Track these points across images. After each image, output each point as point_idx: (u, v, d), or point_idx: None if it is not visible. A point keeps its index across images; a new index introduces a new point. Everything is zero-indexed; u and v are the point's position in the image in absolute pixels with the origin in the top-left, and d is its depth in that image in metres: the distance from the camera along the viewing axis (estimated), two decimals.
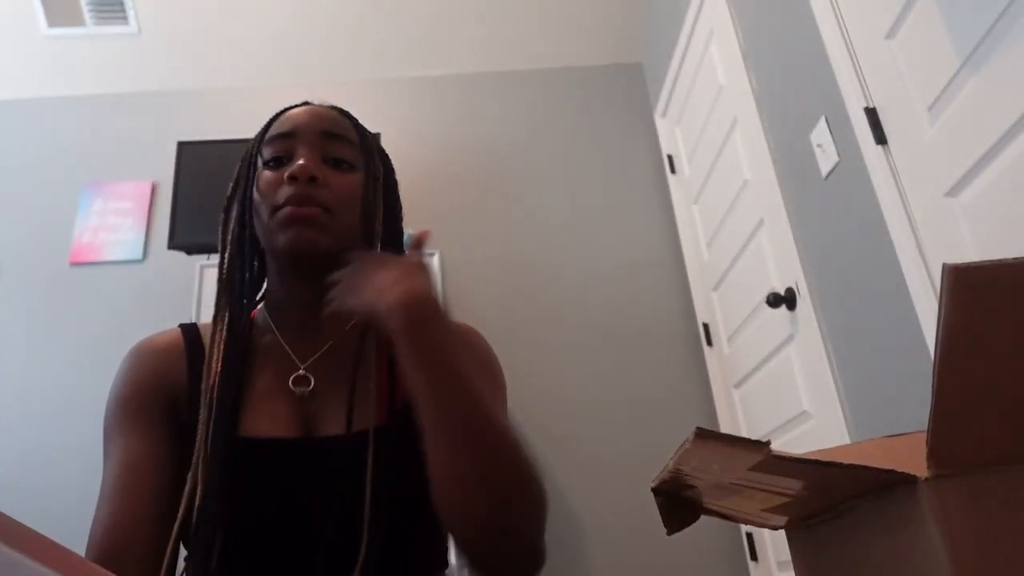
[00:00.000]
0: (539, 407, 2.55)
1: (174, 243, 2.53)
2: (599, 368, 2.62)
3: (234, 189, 0.83)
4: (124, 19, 2.84)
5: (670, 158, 2.87)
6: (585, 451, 2.49)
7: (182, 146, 2.67)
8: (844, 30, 1.51)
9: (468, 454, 0.61)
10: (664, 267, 2.79)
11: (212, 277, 2.31)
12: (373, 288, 0.66)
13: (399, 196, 0.88)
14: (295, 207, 0.73)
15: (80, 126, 3.03)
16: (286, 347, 0.78)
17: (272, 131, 0.81)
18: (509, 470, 0.62)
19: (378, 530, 0.67)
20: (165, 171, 2.88)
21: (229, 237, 0.80)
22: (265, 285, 0.84)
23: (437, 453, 0.62)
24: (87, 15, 2.80)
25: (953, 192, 1.22)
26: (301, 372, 0.76)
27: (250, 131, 2.90)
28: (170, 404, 0.75)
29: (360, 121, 0.87)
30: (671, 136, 2.87)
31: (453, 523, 0.63)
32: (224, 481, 0.67)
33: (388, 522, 0.68)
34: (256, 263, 0.82)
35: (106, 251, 2.79)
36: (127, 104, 3.07)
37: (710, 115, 2.39)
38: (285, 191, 0.74)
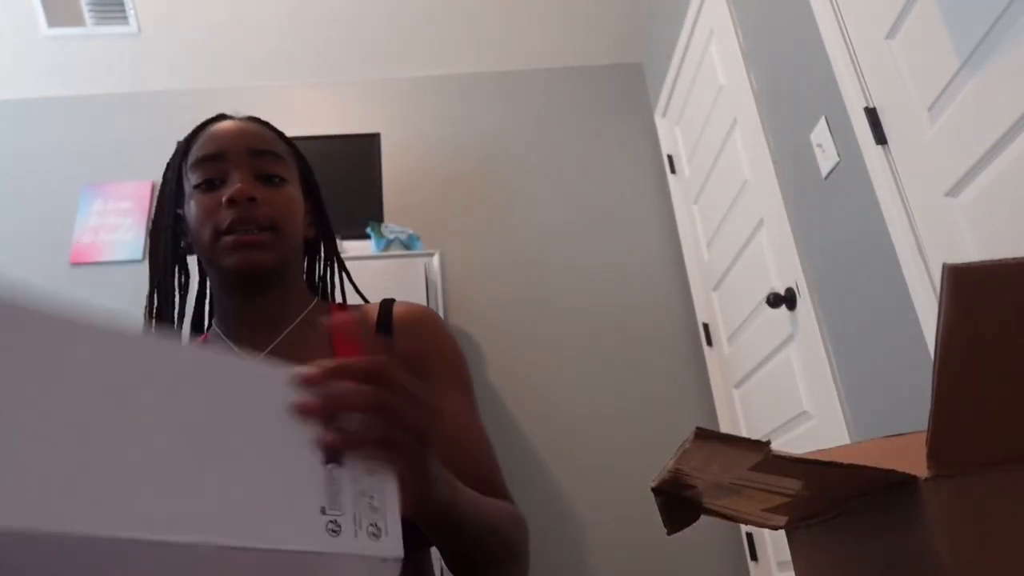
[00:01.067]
0: (538, 406, 2.55)
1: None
2: (598, 368, 2.62)
3: (159, 213, 0.83)
4: (124, 19, 2.83)
5: (670, 158, 2.87)
6: (584, 451, 2.49)
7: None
8: (844, 30, 1.51)
9: (474, 554, 0.65)
10: (664, 267, 2.79)
11: None
12: None
13: (321, 195, 0.91)
14: (240, 234, 0.75)
15: (80, 126, 3.03)
16: (234, 348, 0.79)
17: (197, 153, 0.80)
18: (506, 556, 0.68)
19: None
20: None
21: (161, 261, 0.82)
22: (212, 305, 0.86)
23: (444, 554, 0.64)
24: (87, 15, 2.80)
25: (953, 192, 1.22)
26: None
27: None
28: None
29: (283, 130, 0.91)
30: (671, 136, 2.87)
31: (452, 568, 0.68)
32: None
33: None
34: (185, 283, 0.86)
35: (106, 251, 2.79)
36: (127, 104, 3.07)
37: (710, 115, 2.39)
38: (226, 215, 0.75)
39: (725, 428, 2.46)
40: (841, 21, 1.52)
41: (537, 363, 2.63)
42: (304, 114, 3.04)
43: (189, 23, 2.88)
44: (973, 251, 1.19)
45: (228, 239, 0.75)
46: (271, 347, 0.79)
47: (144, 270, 2.92)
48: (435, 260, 2.36)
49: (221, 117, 0.86)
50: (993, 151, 1.12)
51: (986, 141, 1.13)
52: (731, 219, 2.27)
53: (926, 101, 1.27)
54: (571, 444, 2.51)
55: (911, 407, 1.39)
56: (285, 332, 0.81)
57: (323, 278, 0.92)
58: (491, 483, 0.74)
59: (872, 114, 1.43)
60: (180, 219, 0.82)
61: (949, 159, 1.22)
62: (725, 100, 2.24)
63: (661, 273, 2.78)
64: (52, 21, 2.81)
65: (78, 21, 2.81)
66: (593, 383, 2.60)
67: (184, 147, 0.83)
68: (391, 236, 2.45)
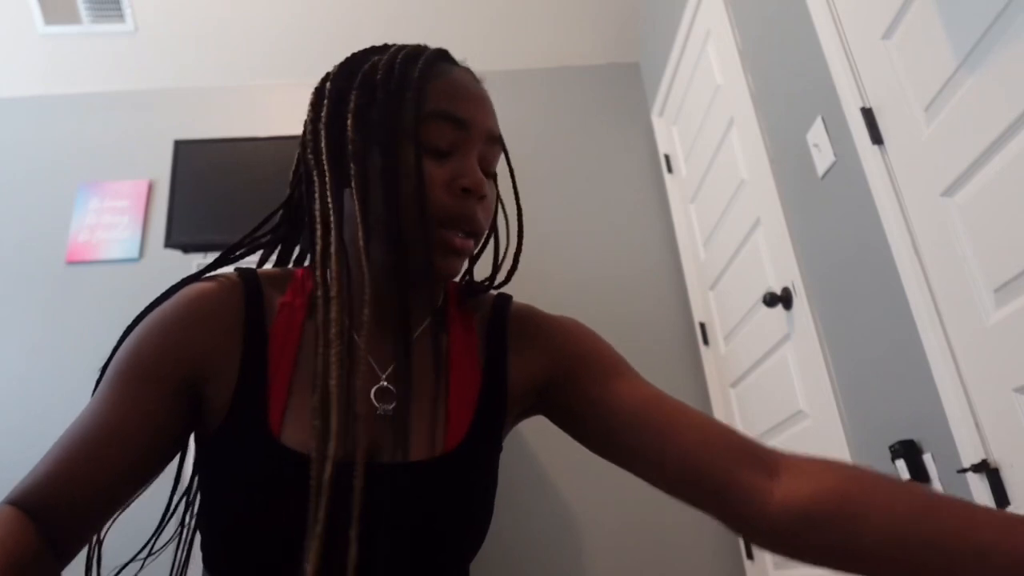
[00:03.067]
0: None
1: (171, 242, 2.53)
2: None
3: (382, 124, 0.64)
4: (120, 17, 2.83)
5: (667, 157, 2.87)
6: (581, 450, 2.49)
7: (179, 145, 2.67)
8: (841, 30, 1.52)
9: None
10: (661, 266, 2.79)
11: None
12: None
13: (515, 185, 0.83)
14: (455, 235, 0.64)
15: (76, 124, 3.02)
16: (362, 348, 0.64)
17: (444, 103, 0.66)
18: None
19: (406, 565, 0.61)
20: (162, 170, 2.87)
21: (357, 173, 0.64)
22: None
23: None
24: (83, 13, 2.79)
25: (949, 192, 1.23)
26: (383, 383, 0.66)
27: (248, 130, 2.91)
28: (197, 376, 0.63)
29: None
30: (668, 136, 2.87)
31: None
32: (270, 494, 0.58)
33: (418, 558, 0.62)
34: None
35: (102, 250, 2.78)
36: (123, 102, 3.06)
37: (707, 115, 2.39)
38: (456, 203, 0.64)
39: None
40: (838, 21, 1.53)
41: None
42: (301, 113, 3.03)
43: (185, 21, 2.88)
44: (969, 251, 1.19)
45: (445, 234, 0.63)
46: (392, 368, 0.67)
47: (141, 269, 2.88)
48: None
49: (451, 59, 0.73)
50: (989, 151, 1.12)
51: (982, 141, 1.13)
52: (727, 219, 2.27)
53: (923, 101, 1.28)
54: (568, 443, 2.51)
55: (907, 406, 1.39)
56: (416, 332, 0.70)
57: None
58: (748, 443, 0.65)
59: (868, 114, 1.44)
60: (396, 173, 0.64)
61: (945, 159, 1.23)
62: (722, 100, 2.24)
63: (657, 272, 2.78)
64: (48, 19, 2.80)
65: (74, 19, 2.81)
66: None
67: (418, 77, 0.65)
68: None
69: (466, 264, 0.69)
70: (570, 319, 0.79)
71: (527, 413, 0.77)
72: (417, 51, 0.69)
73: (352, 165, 0.65)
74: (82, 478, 0.57)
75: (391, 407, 0.65)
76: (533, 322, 0.77)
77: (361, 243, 0.62)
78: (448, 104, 0.66)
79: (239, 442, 0.60)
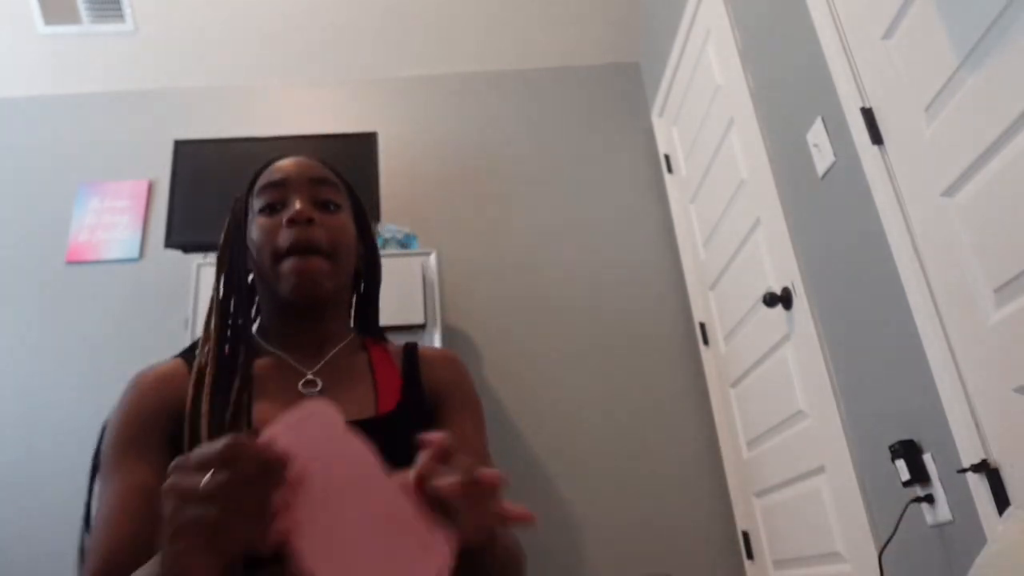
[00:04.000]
0: (535, 405, 2.55)
1: (171, 242, 2.53)
2: (595, 367, 2.62)
3: (227, 237, 0.88)
4: (120, 17, 2.83)
5: (667, 157, 2.87)
6: (581, 450, 2.49)
7: (179, 145, 2.66)
8: (841, 30, 1.52)
9: None
10: (661, 266, 2.79)
11: (209, 276, 2.30)
12: None
13: (372, 231, 0.98)
14: (298, 258, 0.81)
15: (76, 124, 3.02)
16: (291, 361, 0.85)
17: (262, 181, 0.88)
18: None
19: None
20: (162, 170, 2.87)
21: (225, 280, 0.85)
22: (258, 317, 0.92)
23: None
24: (83, 13, 2.79)
25: (949, 192, 1.23)
26: (309, 376, 0.83)
27: (247, 130, 2.91)
28: (173, 431, 0.76)
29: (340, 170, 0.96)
30: (668, 136, 2.87)
31: None
32: None
33: None
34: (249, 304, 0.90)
35: (102, 250, 2.78)
36: (123, 102, 3.06)
37: (707, 115, 2.39)
38: (286, 235, 0.82)
39: (721, 428, 2.46)
40: (838, 21, 1.53)
41: (534, 362, 2.63)
42: (301, 113, 3.04)
43: (185, 21, 2.88)
44: (969, 251, 1.19)
45: (288, 264, 0.82)
46: (318, 367, 0.85)
47: (141, 269, 2.89)
48: (432, 259, 2.36)
49: (280, 157, 0.94)
50: (990, 152, 1.12)
51: (983, 141, 1.13)
52: (728, 219, 2.27)
53: (923, 101, 1.28)
54: (567, 443, 2.51)
55: (906, 406, 1.39)
56: (330, 355, 0.87)
57: (362, 309, 0.99)
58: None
59: (868, 114, 1.44)
60: (245, 247, 0.88)
61: (946, 159, 1.23)
62: (722, 100, 2.24)
63: (658, 272, 2.78)
64: (48, 19, 2.80)
65: (74, 19, 2.81)
66: (590, 382, 2.60)
67: (251, 181, 0.91)
68: (388, 235, 2.45)
69: (330, 283, 0.85)
70: (456, 359, 0.95)
71: (431, 414, 0.90)
72: (259, 168, 0.93)
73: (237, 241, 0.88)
74: (140, 534, 0.67)
75: (317, 390, 0.82)
76: (438, 353, 0.94)
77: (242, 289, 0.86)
78: (267, 178, 0.88)
79: None
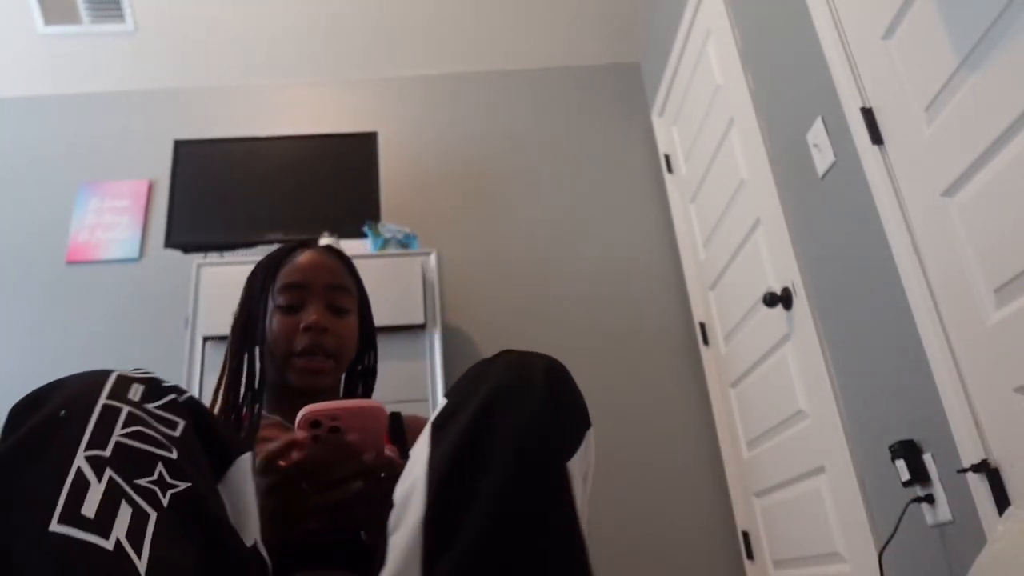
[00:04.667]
0: None
1: (171, 242, 2.53)
2: (595, 367, 2.62)
3: (244, 314, 0.98)
4: (120, 17, 2.83)
5: (667, 157, 2.87)
6: None
7: (179, 144, 2.66)
8: (841, 30, 1.52)
9: None
10: (661, 266, 2.79)
11: (209, 276, 2.30)
12: None
13: (371, 317, 1.08)
14: (309, 360, 0.93)
15: (76, 124, 3.02)
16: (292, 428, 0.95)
17: (285, 279, 0.98)
18: None
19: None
20: (162, 170, 2.87)
21: (235, 355, 0.95)
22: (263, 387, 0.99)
23: None
24: (83, 13, 2.79)
25: (950, 192, 1.23)
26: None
27: (247, 130, 2.91)
28: None
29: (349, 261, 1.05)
30: (668, 135, 2.87)
31: None
32: None
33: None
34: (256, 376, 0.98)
35: (102, 250, 2.78)
36: (123, 102, 3.06)
37: (707, 115, 2.39)
38: (302, 340, 0.93)
39: (721, 428, 2.46)
40: (838, 21, 1.53)
41: None
42: (301, 113, 3.03)
43: (185, 21, 2.88)
44: (969, 251, 1.19)
45: (300, 361, 0.93)
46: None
47: (141, 269, 2.89)
48: (432, 259, 2.36)
49: (305, 245, 1.03)
50: (990, 151, 1.12)
51: (983, 141, 1.13)
52: (728, 219, 2.27)
53: (923, 101, 1.28)
54: None
55: (907, 406, 1.39)
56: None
57: (358, 382, 1.08)
58: None
59: (868, 114, 1.44)
60: (258, 321, 0.98)
61: (946, 159, 1.23)
62: (722, 100, 2.24)
63: (658, 272, 2.78)
64: (48, 19, 2.80)
65: (74, 19, 2.81)
66: (590, 382, 2.59)
67: (272, 268, 0.99)
68: (388, 235, 2.45)
69: (333, 379, 0.98)
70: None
71: None
72: (282, 250, 1.03)
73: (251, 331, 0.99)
74: None
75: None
76: (420, 419, 1.03)
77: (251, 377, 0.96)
78: (289, 277, 0.98)
79: None
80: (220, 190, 2.59)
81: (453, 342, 2.60)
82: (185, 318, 2.39)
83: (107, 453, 0.52)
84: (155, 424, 0.55)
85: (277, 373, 0.97)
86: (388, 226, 2.48)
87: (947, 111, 1.22)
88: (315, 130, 2.89)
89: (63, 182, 2.90)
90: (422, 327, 2.24)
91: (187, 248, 2.55)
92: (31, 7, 2.77)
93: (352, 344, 1.00)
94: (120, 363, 2.52)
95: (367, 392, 1.10)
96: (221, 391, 0.94)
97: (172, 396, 0.59)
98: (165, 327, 2.62)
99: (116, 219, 2.83)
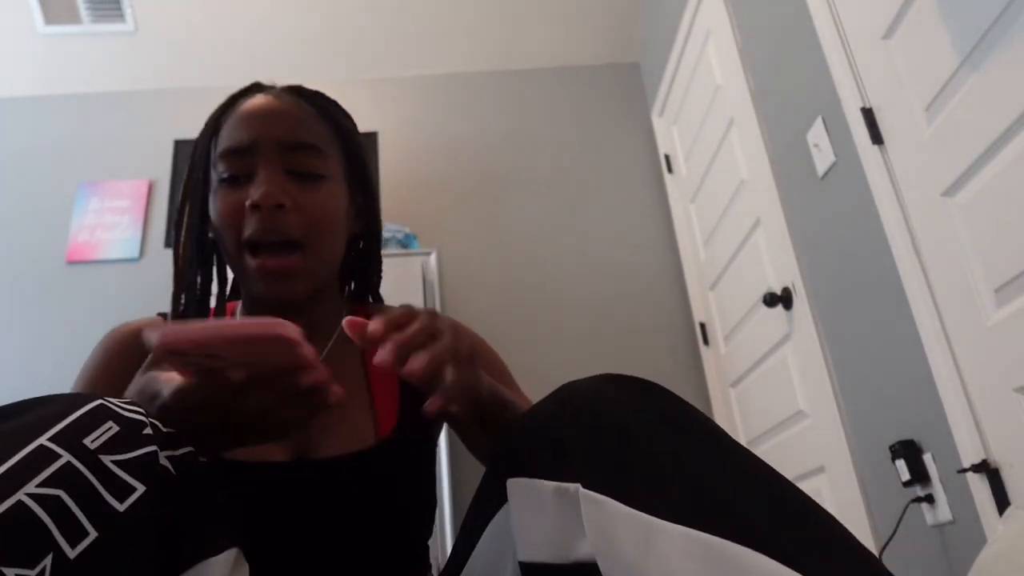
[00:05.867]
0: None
1: (171, 242, 2.53)
2: (595, 367, 2.60)
3: (183, 199, 0.74)
4: (121, 17, 2.83)
5: (667, 157, 2.87)
6: None
7: (179, 144, 2.67)
8: (841, 30, 1.52)
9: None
10: (661, 266, 2.79)
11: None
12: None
13: (373, 187, 0.81)
14: (266, 256, 0.66)
15: (77, 124, 3.02)
16: None
17: (224, 141, 0.71)
18: None
19: (361, 554, 0.68)
20: (162, 170, 2.87)
21: (181, 250, 0.74)
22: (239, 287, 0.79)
23: (484, 440, 0.70)
24: (84, 13, 2.79)
25: (950, 192, 1.23)
26: None
27: None
28: None
29: (332, 102, 0.78)
30: (668, 135, 2.87)
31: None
32: None
33: (372, 544, 0.69)
34: (208, 284, 0.78)
35: (103, 249, 2.78)
36: (124, 102, 3.06)
37: (707, 115, 2.39)
38: (249, 221, 0.66)
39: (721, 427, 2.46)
40: (838, 21, 1.52)
41: (534, 362, 2.62)
42: None
43: (185, 21, 2.88)
44: (969, 251, 1.19)
45: (253, 263, 0.67)
46: None
47: (141, 269, 2.89)
48: (432, 259, 2.36)
49: (256, 88, 0.76)
50: (990, 151, 1.12)
51: (983, 141, 1.13)
52: (728, 218, 2.27)
53: (923, 101, 1.28)
54: None
55: (907, 406, 1.39)
56: (324, 352, 0.75)
57: (359, 278, 0.85)
58: None
59: (869, 114, 1.44)
60: (207, 216, 0.73)
61: (946, 159, 1.23)
62: (722, 100, 2.24)
63: (658, 272, 2.78)
64: (49, 19, 2.80)
65: (75, 19, 2.81)
66: None
67: (213, 125, 0.73)
68: (388, 235, 2.45)
69: (306, 283, 0.70)
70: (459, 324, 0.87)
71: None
72: (230, 97, 0.76)
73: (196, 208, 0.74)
74: None
75: None
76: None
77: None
78: (229, 138, 0.70)
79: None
80: None
81: None
82: None
83: None
84: (98, 487, 0.40)
85: (240, 282, 0.73)
86: (388, 226, 2.49)
87: (947, 111, 1.22)
88: None
89: (63, 182, 2.90)
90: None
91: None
92: (31, 7, 2.77)
93: (333, 223, 0.71)
94: None
95: (363, 300, 0.84)
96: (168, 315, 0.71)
97: (150, 449, 0.43)
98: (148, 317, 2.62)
99: (116, 219, 2.83)
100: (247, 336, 0.46)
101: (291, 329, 0.46)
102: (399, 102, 3.08)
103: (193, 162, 0.74)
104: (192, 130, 2.90)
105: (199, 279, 0.74)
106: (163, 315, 0.78)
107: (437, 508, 0.79)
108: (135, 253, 2.78)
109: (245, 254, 0.67)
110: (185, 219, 0.74)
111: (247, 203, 0.66)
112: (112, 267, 2.76)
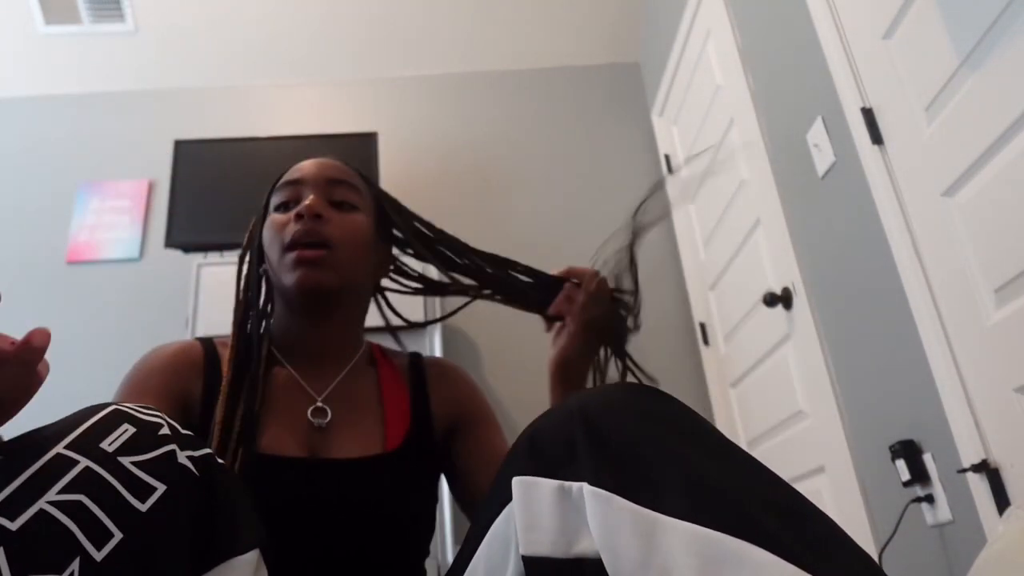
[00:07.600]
0: (535, 406, 2.54)
1: (171, 242, 2.53)
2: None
3: (249, 238, 0.89)
4: (121, 17, 2.83)
5: (667, 157, 2.87)
6: None
7: (179, 144, 2.67)
8: (841, 30, 1.52)
9: None
10: (661, 266, 2.79)
11: (209, 276, 2.30)
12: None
13: (402, 237, 0.96)
14: (302, 249, 0.79)
15: (77, 124, 3.02)
16: (300, 380, 0.83)
17: (281, 180, 0.88)
18: None
19: (370, 549, 0.74)
20: (162, 169, 2.87)
21: (243, 282, 0.87)
22: (273, 323, 0.90)
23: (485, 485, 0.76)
24: (84, 13, 2.79)
25: (950, 192, 1.23)
26: (320, 405, 0.81)
27: (248, 130, 2.91)
28: (183, 404, 0.77)
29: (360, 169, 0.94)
30: (668, 135, 2.87)
31: None
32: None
33: (372, 551, 0.75)
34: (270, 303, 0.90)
35: (103, 249, 2.78)
36: (124, 102, 3.06)
37: (707, 115, 2.39)
38: (292, 228, 0.80)
39: (721, 427, 2.46)
40: (838, 21, 1.52)
41: (534, 362, 2.62)
42: (301, 113, 3.03)
43: (185, 21, 2.88)
44: (969, 251, 1.19)
45: (290, 255, 0.79)
46: (327, 392, 0.83)
47: (141, 269, 2.89)
48: None
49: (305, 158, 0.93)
50: (991, 151, 1.12)
51: (984, 141, 1.13)
52: (728, 219, 2.27)
53: (923, 101, 1.28)
54: None
55: (907, 406, 1.39)
56: (343, 373, 0.86)
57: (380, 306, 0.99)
58: None
59: (869, 114, 1.44)
60: (262, 249, 0.88)
61: (946, 159, 1.23)
62: (722, 100, 2.24)
63: (658, 272, 2.78)
64: (49, 19, 2.81)
65: (74, 19, 2.81)
66: (590, 382, 2.59)
67: (272, 184, 0.90)
68: None
69: (334, 275, 0.81)
70: (462, 370, 0.99)
71: (444, 438, 0.90)
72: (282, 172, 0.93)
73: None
74: None
75: (326, 420, 0.80)
76: (445, 366, 0.97)
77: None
78: (285, 177, 0.88)
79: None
80: (220, 190, 2.60)
81: (453, 342, 2.60)
82: (185, 318, 2.39)
83: (15, 526, 0.37)
84: (118, 488, 0.41)
85: (279, 292, 0.86)
86: None
87: (947, 111, 1.22)
88: (315, 130, 2.89)
89: (63, 182, 2.90)
90: (422, 327, 2.24)
91: (187, 248, 2.55)
92: (31, 7, 2.77)
93: (359, 240, 0.84)
94: (120, 364, 2.52)
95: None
96: (231, 337, 0.83)
97: (168, 449, 0.44)
98: (165, 327, 2.61)
99: (116, 219, 2.83)
100: None
101: None
102: (398, 103, 3.08)
103: (255, 221, 0.91)
104: (192, 130, 2.91)
105: (261, 297, 0.87)
106: (200, 340, 0.87)
107: (438, 527, 0.89)
108: (135, 253, 2.78)
109: (286, 252, 0.80)
110: (248, 255, 0.88)
111: (293, 213, 0.81)
112: (112, 267, 2.76)
